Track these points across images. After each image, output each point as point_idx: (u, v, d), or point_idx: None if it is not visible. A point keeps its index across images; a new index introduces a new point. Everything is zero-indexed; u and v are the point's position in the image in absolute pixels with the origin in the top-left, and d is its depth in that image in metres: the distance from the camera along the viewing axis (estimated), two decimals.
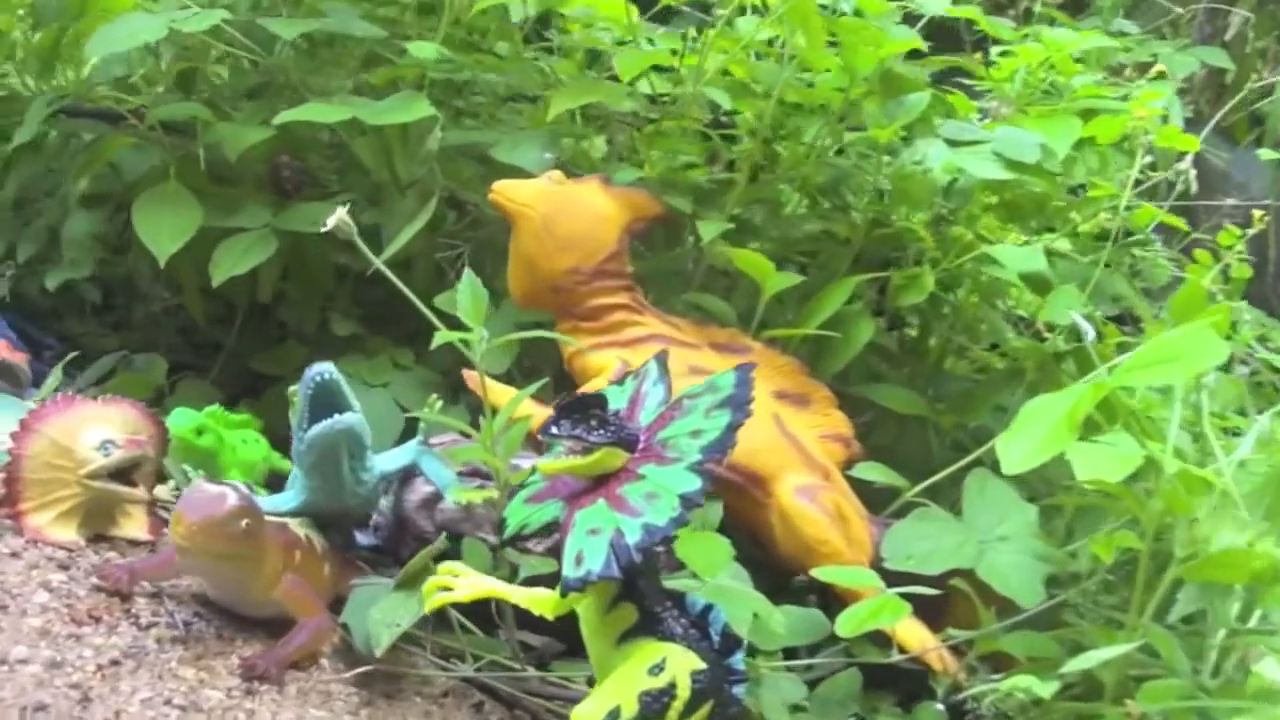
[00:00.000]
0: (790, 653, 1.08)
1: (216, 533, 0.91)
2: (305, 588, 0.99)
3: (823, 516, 1.17)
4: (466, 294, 1.03)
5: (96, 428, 1.08)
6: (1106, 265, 1.37)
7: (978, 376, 1.52)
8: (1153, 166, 1.40)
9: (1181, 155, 1.37)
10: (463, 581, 0.92)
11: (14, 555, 1.00)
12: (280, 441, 1.22)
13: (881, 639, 1.08)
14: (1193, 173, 1.35)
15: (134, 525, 1.11)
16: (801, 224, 1.47)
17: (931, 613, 1.10)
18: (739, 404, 0.86)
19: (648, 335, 1.23)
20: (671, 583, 0.95)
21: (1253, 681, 0.94)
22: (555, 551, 1.01)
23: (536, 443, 1.01)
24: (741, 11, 1.40)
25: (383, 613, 0.98)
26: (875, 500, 1.24)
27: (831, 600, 1.11)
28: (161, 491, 1.16)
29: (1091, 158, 1.41)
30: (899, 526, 1.15)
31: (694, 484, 0.83)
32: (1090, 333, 1.04)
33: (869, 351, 1.43)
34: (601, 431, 0.86)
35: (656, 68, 1.48)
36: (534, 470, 0.96)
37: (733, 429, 0.85)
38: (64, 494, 1.07)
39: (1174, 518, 0.96)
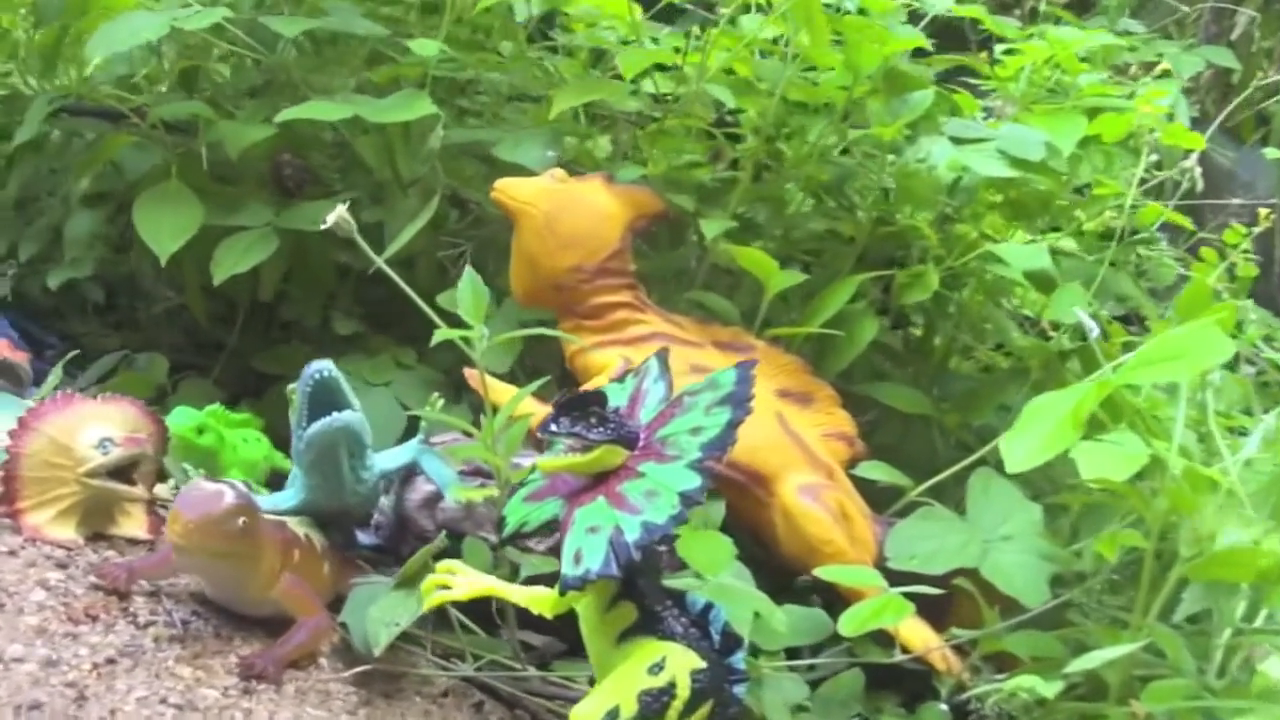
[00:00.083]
0: (793, 653, 1.07)
1: (213, 531, 0.90)
2: (304, 586, 0.99)
3: (826, 516, 1.16)
4: (467, 291, 1.03)
5: (95, 426, 1.08)
6: (1112, 264, 1.36)
7: (982, 376, 1.51)
8: (1158, 165, 1.39)
9: (1187, 153, 1.36)
10: (460, 580, 0.91)
11: (11, 553, 0.99)
12: (282, 441, 1.21)
13: (885, 639, 1.07)
14: (1198, 170, 1.34)
15: (133, 524, 1.11)
16: (805, 223, 1.46)
17: (936, 613, 1.09)
18: (739, 401, 0.85)
19: (650, 334, 1.23)
20: (673, 582, 0.95)
21: (1258, 681, 0.93)
22: (557, 550, 0.99)
23: (538, 441, 1.00)
24: (745, 10, 1.40)
25: (381, 611, 0.98)
26: (879, 499, 1.24)
27: (835, 600, 1.10)
28: (161, 490, 1.16)
29: (1097, 157, 1.40)
30: (903, 526, 1.15)
31: (694, 482, 0.82)
32: (1094, 329, 1.03)
33: (873, 350, 1.43)
34: (601, 429, 0.85)
35: (661, 67, 1.47)
36: (534, 468, 0.95)
37: (733, 426, 0.84)
38: (62, 492, 1.06)
39: (1179, 516, 0.96)
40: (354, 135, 1.43)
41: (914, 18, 1.44)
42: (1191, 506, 0.94)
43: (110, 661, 0.88)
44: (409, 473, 1.19)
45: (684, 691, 0.85)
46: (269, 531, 0.98)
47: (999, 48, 1.51)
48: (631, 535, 0.81)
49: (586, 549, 0.82)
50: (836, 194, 1.49)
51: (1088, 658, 0.94)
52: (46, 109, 1.49)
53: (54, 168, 1.65)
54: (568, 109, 1.44)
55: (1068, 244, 1.43)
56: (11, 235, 1.62)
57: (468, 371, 1.18)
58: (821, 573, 1.06)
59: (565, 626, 0.95)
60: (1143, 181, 1.35)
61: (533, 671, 1.06)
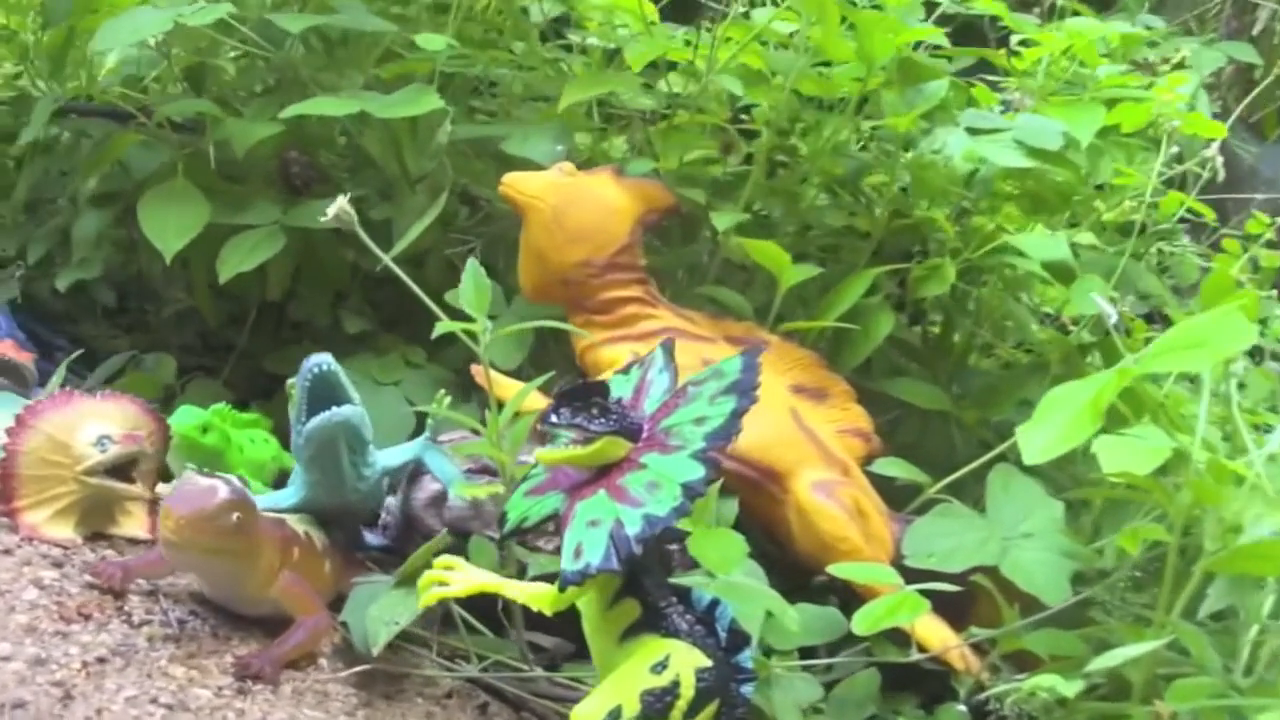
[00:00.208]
0: (810, 654, 1.05)
1: (206, 527, 0.88)
2: (303, 585, 0.97)
3: (841, 513, 1.14)
4: (470, 283, 1.01)
5: (94, 423, 1.06)
6: (1133, 257, 1.33)
7: (1002, 372, 1.48)
8: (1179, 159, 1.36)
9: (1208, 143, 1.33)
10: (458, 575, 0.88)
11: (6, 552, 0.98)
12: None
13: (902, 639, 1.04)
14: (1220, 160, 1.31)
15: (133, 524, 1.09)
16: (820, 218, 1.43)
17: (955, 612, 1.07)
18: (745, 389, 0.82)
19: (661, 328, 1.20)
20: (682, 579, 0.92)
21: None
22: None
23: (543, 437, 0.98)
24: (754, 4, 1.38)
25: (381, 610, 0.96)
26: (898, 497, 1.21)
27: (852, 600, 1.07)
28: (164, 489, 1.14)
29: (1116, 151, 1.38)
30: (920, 523, 1.12)
31: (697, 472, 0.80)
32: (1113, 315, 1.00)
33: (891, 347, 1.40)
34: (603, 420, 0.83)
35: (673, 66, 1.45)
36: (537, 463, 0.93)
37: (738, 415, 0.81)
38: (61, 491, 1.05)
39: (1203, 510, 0.93)
40: (361, 132, 1.41)
41: (932, 13, 1.42)
42: (1216, 499, 0.91)
43: (101, 660, 0.87)
44: (416, 472, 1.17)
45: (688, 691, 0.82)
46: (266, 528, 0.96)
47: (1015, 38, 1.49)
48: (632, 528, 0.79)
49: (587, 543, 0.80)
50: (852, 189, 1.46)
51: (1109, 655, 0.91)
52: (50, 109, 1.48)
53: (64, 170, 1.64)
54: (579, 106, 1.43)
55: (1087, 238, 1.40)
56: (21, 237, 1.61)
57: (474, 367, 1.16)
58: (835, 570, 1.03)
59: (575, 628, 0.92)
60: (1163, 174, 1.32)
61: (538, 672, 1.04)
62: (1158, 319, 1.51)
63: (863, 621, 0.96)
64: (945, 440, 1.35)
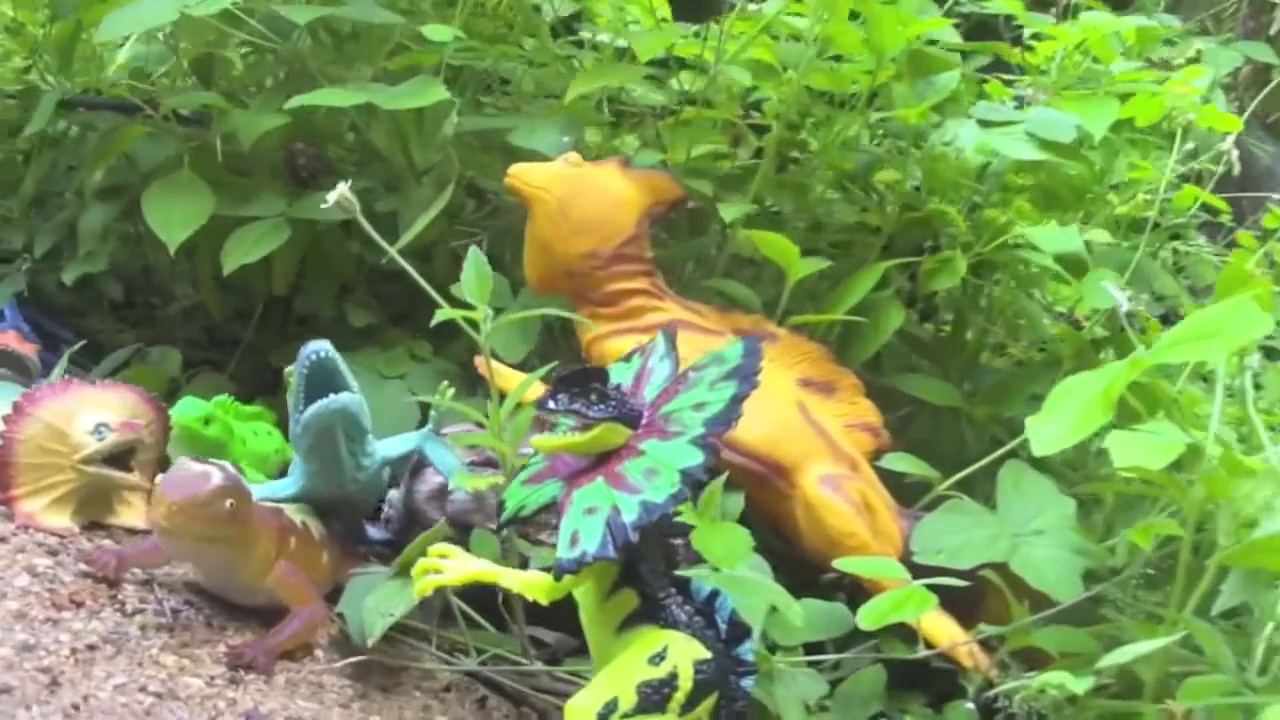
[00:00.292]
0: (817, 652, 1.03)
1: (198, 514, 0.87)
2: (299, 575, 0.96)
3: (848, 508, 1.12)
4: (472, 272, 0.99)
5: (92, 411, 1.05)
6: (1148, 253, 1.31)
7: (1014, 368, 1.47)
8: (1194, 154, 1.34)
9: (1224, 137, 1.31)
10: (453, 564, 0.87)
11: (1, 540, 0.97)
12: None
13: (910, 636, 1.03)
14: (1235, 153, 1.28)
15: (132, 513, 1.08)
16: (830, 210, 1.42)
17: (964, 610, 1.05)
18: (746, 375, 0.81)
19: (667, 321, 1.18)
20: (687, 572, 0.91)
21: None
22: None
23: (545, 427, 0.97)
24: None
25: (377, 601, 0.94)
26: (907, 494, 1.19)
27: (860, 599, 1.05)
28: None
29: (1131, 150, 1.36)
30: (929, 519, 1.10)
31: (696, 458, 0.78)
32: (1124, 303, 0.99)
33: (902, 343, 1.39)
34: (601, 406, 0.82)
35: (684, 64, 1.44)
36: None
37: (738, 400, 0.80)
38: (58, 479, 1.04)
39: (1216, 505, 0.91)
40: (369, 125, 1.40)
41: (950, 17, 1.40)
42: (1230, 493, 0.89)
43: (91, 648, 0.86)
44: (419, 465, 1.16)
45: (686, 683, 0.80)
46: (262, 517, 0.95)
47: (1028, 34, 1.47)
48: (629, 516, 0.77)
49: (583, 531, 0.78)
50: (862, 183, 1.44)
51: (1120, 652, 0.89)
52: (55, 100, 1.48)
53: (71, 164, 1.64)
54: (589, 101, 1.42)
55: (1101, 235, 1.38)
56: (28, 231, 1.61)
57: (477, 359, 1.15)
58: (841, 564, 1.01)
59: (577, 622, 0.90)
60: (1178, 169, 1.30)
61: (538, 666, 1.02)
62: (1174, 321, 1.49)
63: (868, 616, 0.94)
64: (956, 437, 1.33)
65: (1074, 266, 1.24)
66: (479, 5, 1.49)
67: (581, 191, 1.20)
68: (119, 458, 1.06)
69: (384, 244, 1.03)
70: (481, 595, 1.04)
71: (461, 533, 1.06)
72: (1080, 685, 0.88)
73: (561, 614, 0.89)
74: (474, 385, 1.28)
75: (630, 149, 1.54)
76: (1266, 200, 1.70)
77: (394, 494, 1.18)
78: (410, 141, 1.38)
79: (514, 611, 1.04)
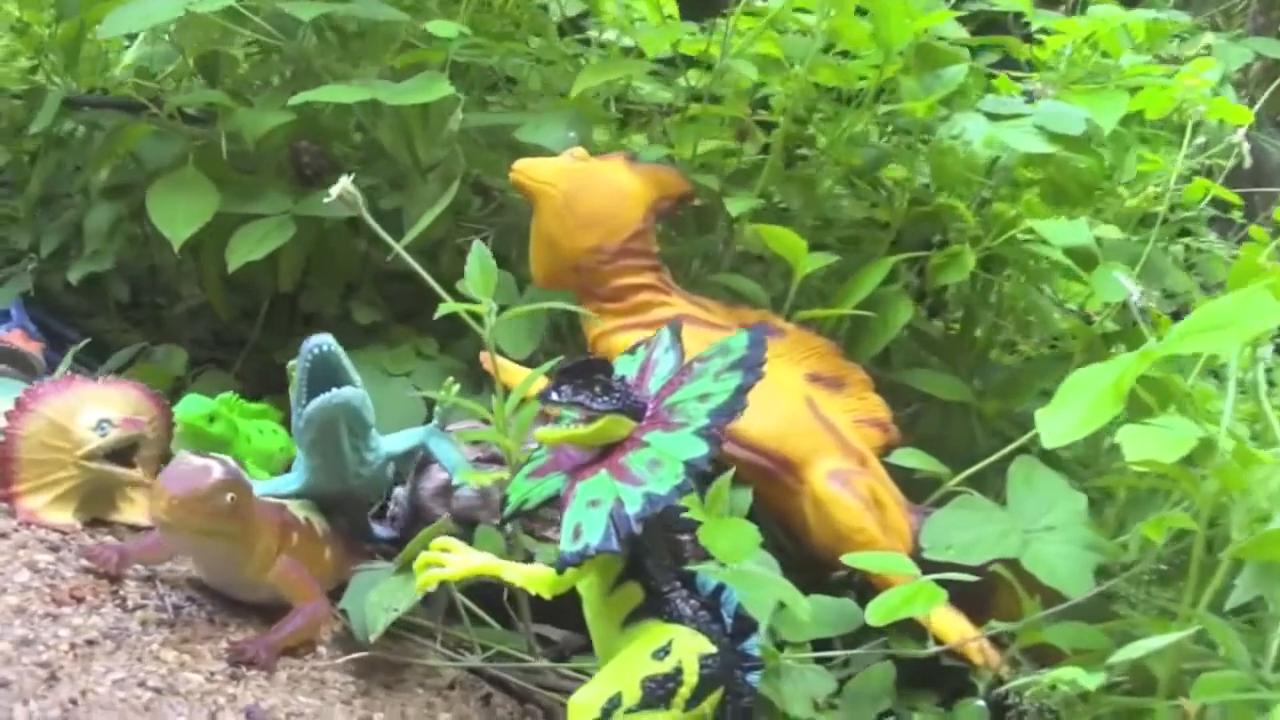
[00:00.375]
0: (827, 649, 1.02)
1: (198, 508, 0.86)
2: (301, 571, 0.95)
3: (857, 503, 1.11)
4: (476, 265, 0.98)
5: (94, 407, 1.05)
6: (1158, 245, 1.29)
7: (1023, 363, 1.45)
8: (1204, 148, 1.33)
9: (1235, 129, 1.30)
10: (454, 558, 0.86)
11: (2, 535, 0.96)
12: None
13: (920, 634, 1.01)
14: (1246, 146, 1.27)
15: (135, 510, 1.07)
16: (838, 206, 1.40)
17: (976, 607, 1.04)
18: (751, 365, 0.80)
19: (674, 316, 1.17)
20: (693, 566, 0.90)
21: None
22: None
23: (549, 419, 0.96)
24: None
25: (380, 596, 0.94)
26: (917, 490, 1.18)
27: (870, 597, 1.04)
28: None
29: (1142, 147, 1.35)
30: (939, 515, 1.09)
31: (700, 449, 0.77)
32: (1135, 294, 0.97)
33: (911, 340, 1.37)
34: (605, 398, 0.81)
35: (691, 63, 1.43)
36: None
37: (742, 391, 0.79)
38: (61, 475, 1.03)
39: (1230, 498, 0.89)
40: (375, 123, 1.40)
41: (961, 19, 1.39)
42: (1243, 486, 0.88)
43: (90, 643, 0.85)
44: (424, 462, 1.15)
45: (691, 677, 0.79)
46: (264, 512, 0.94)
47: (1037, 28, 1.46)
48: (633, 507, 0.76)
49: (586, 523, 0.77)
50: (870, 179, 1.43)
51: (1133, 647, 0.88)
52: (59, 99, 1.47)
53: (78, 165, 1.64)
54: (596, 98, 1.41)
55: (1111, 231, 1.37)
56: (34, 231, 1.61)
57: (482, 355, 1.14)
58: (850, 559, 1.00)
59: (585, 619, 0.90)
60: (1189, 160, 1.29)
61: (543, 663, 1.01)
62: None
63: (877, 611, 0.93)
64: (966, 433, 1.32)
65: (1084, 260, 1.23)
66: (485, 3, 1.48)
67: (587, 186, 1.20)
68: (122, 454, 1.05)
69: (390, 240, 1.02)
70: (487, 593, 1.03)
71: (467, 529, 1.05)
72: (1092, 681, 0.87)
73: (568, 611, 0.88)
74: (480, 383, 1.28)
75: (638, 148, 1.53)
76: (1278, 197, 1.69)
77: (400, 492, 1.17)
78: (415, 138, 1.37)
79: (520, 609, 1.03)
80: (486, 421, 1.02)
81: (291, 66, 1.49)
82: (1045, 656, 1.00)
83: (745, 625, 0.84)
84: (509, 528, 1.04)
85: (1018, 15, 1.48)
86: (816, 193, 1.41)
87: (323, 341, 0.99)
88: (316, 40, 1.45)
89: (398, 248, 1.03)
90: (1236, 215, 1.64)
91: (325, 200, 1.00)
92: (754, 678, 0.84)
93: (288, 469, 1.23)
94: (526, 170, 1.21)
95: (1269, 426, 0.96)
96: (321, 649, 0.95)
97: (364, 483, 1.06)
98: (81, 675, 0.81)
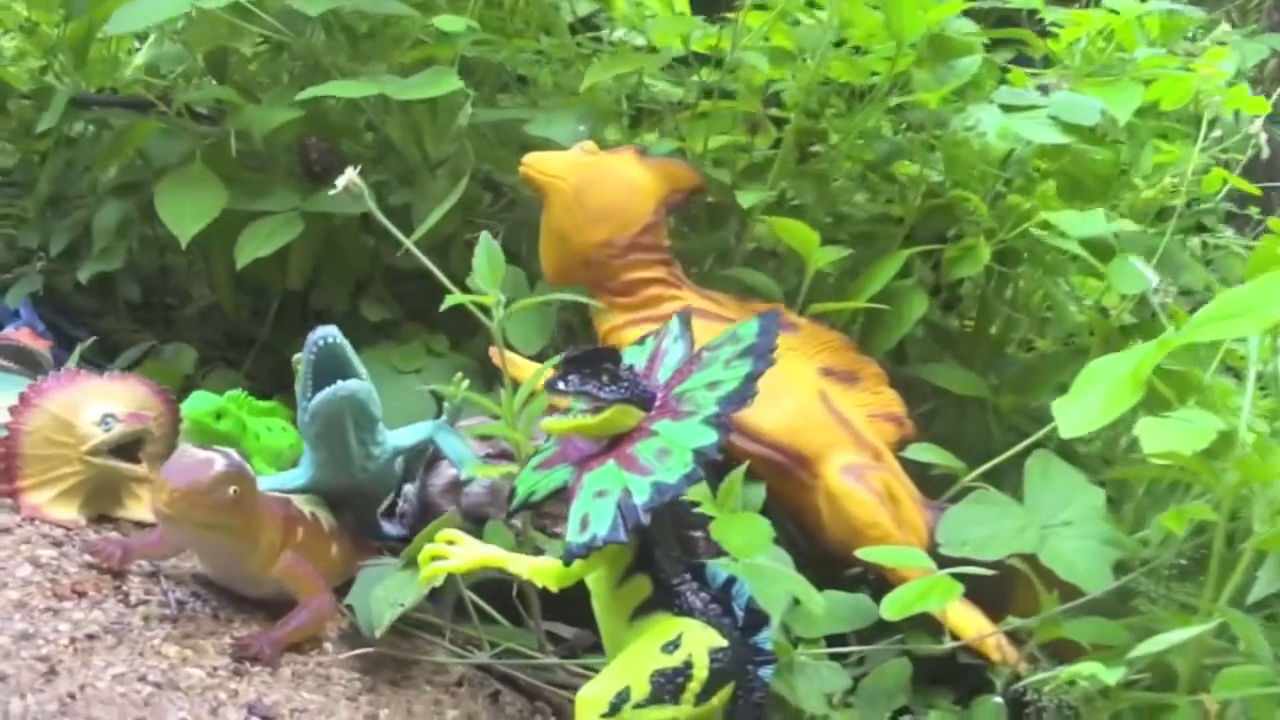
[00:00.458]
0: (841, 645, 1.00)
1: (201, 501, 0.85)
2: (306, 566, 0.94)
3: (871, 498, 1.10)
4: (483, 257, 0.97)
5: (99, 402, 1.04)
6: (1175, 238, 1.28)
7: (1039, 358, 1.44)
8: (1220, 140, 1.31)
9: (1252, 119, 1.28)
10: (460, 550, 0.84)
11: (5, 530, 0.95)
12: None
13: (937, 630, 1.00)
14: (1264, 136, 1.25)
15: (140, 506, 1.06)
16: (851, 195, 1.39)
17: (993, 603, 1.02)
18: (761, 353, 0.78)
19: (685, 309, 1.16)
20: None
21: None
22: None
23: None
24: None
25: (386, 591, 0.92)
26: (933, 486, 1.16)
27: (885, 594, 1.03)
28: None
29: (1158, 141, 1.33)
30: (955, 510, 1.07)
31: (709, 438, 0.76)
32: (1153, 280, 0.96)
33: (926, 335, 1.36)
34: (613, 388, 0.79)
35: (703, 60, 1.42)
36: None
37: (752, 378, 0.77)
38: (65, 471, 1.02)
39: (1251, 490, 0.88)
40: (384, 120, 1.39)
41: (973, 15, 1.38)
42: (1265, 477, 0.86)
43: (91, 638, 0.84)
44: (433, 458, 1.14)
45: (701, 672, 0.78)
46: (268, 506, 0.93)
47: (1050, 19, 1.44)
48: (641, 497, 0.75)
49: (593, 514, 0.76)
50: (883, 173, 1.42)
51: (1154, 641, 0.86)
52: (67, 97, 1.47)
53: (86, 164, 1.63)
54: (607, 94, 1.39)
55: (1127, 225, 1.35)
56: (43, 231, 1.60)
57: (491, 350, 1.13)
58: (864, 553, 0.99)
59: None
60: (1205, 151, 1.27)
61: (552, 659, 1.00)
62: None
63: (892, 606, 0.92)
64: (982, 428, 1.31)
65: (1100, 251, 1.21)
66: (494, 0, 1.47)
67: (597, 179, 1.19)
68: (127, 450, 1.04)
69: (400, 235, 1.01)
70: (496, 589, 1.02)
71: (477, 526, 1.04)
72: (1112, 676, 0.85)
73: (580, 608, 0.87)
74: (491, 381, 1.26)
75: (649, 144, 1.52)
76: None
77: (409, 488, 1.16)
78: (424, 134, 1.36)
79: (530, 605, 1.02)
80: (496, 417, 1.01)
81: (300, 63, 1.49)
82: (1063, 652, 0.98)
83: (757, 619, 0.82)
84: (518, 523, 1.02)
85: (1032, 13, 1.46)
86: (829, 188, 1.39)
87: (328, 334, 0.98)
88: (325, 37, 1.44)
89: (408, 243, 1.02)
90: (1254, 211, 1.63)
91: (331, 193, 0.99)
92: (766, 672, 0.82)
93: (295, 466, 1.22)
94: (536, 164, 1.20)
95: None
96: (327, 645, 0.94)
97: (371, 477, 1.05)
98: (81, 669, 0.79)
